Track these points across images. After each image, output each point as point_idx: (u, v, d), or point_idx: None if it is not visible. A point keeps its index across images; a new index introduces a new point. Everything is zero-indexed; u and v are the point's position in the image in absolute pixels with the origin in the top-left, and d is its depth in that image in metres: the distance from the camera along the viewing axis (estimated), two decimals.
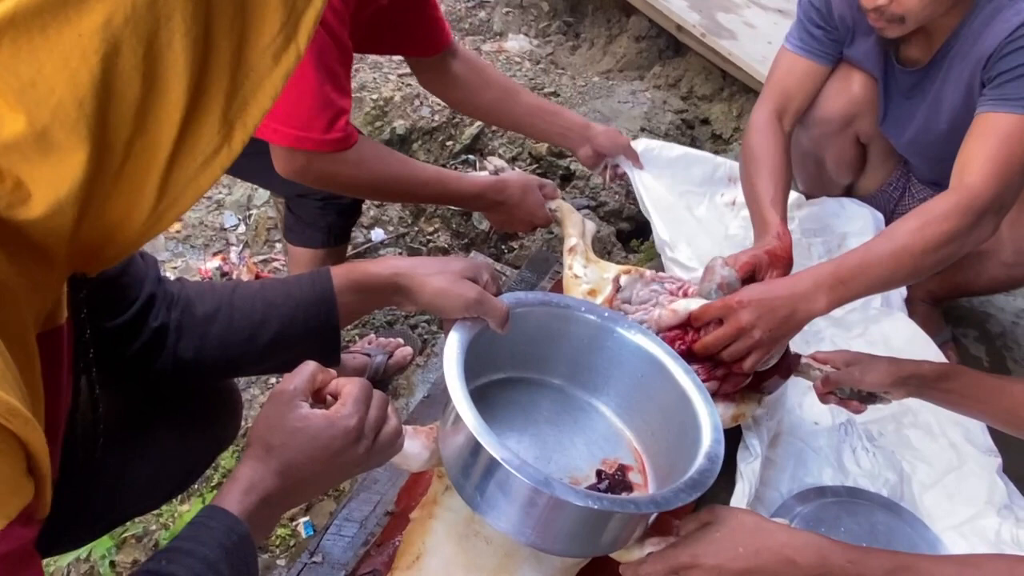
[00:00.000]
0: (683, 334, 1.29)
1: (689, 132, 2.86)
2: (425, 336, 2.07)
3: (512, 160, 2.56)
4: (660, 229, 1.79)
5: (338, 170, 1.39)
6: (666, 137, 2.77)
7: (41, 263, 0.59)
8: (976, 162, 1.44)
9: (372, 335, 2.02)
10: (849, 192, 2.04)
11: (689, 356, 1.25)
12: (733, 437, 1.45)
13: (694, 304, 1.29)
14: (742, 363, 1.27)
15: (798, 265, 1.76)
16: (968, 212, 1.37)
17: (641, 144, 1.89)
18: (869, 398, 1.40)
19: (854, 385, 1.34)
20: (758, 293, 1.29)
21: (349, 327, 2.08)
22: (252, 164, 1.62)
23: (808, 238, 1.93)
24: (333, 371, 0.89)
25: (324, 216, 1.65)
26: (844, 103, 1.83)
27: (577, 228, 1.60)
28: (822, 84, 1.81)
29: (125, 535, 1.56)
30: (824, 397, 1.38)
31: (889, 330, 1.81)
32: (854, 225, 1.95)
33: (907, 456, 1.62)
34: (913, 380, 1.31)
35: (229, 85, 0.57)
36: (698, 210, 1.95)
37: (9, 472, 0.53)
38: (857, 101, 1.82)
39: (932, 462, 1.61)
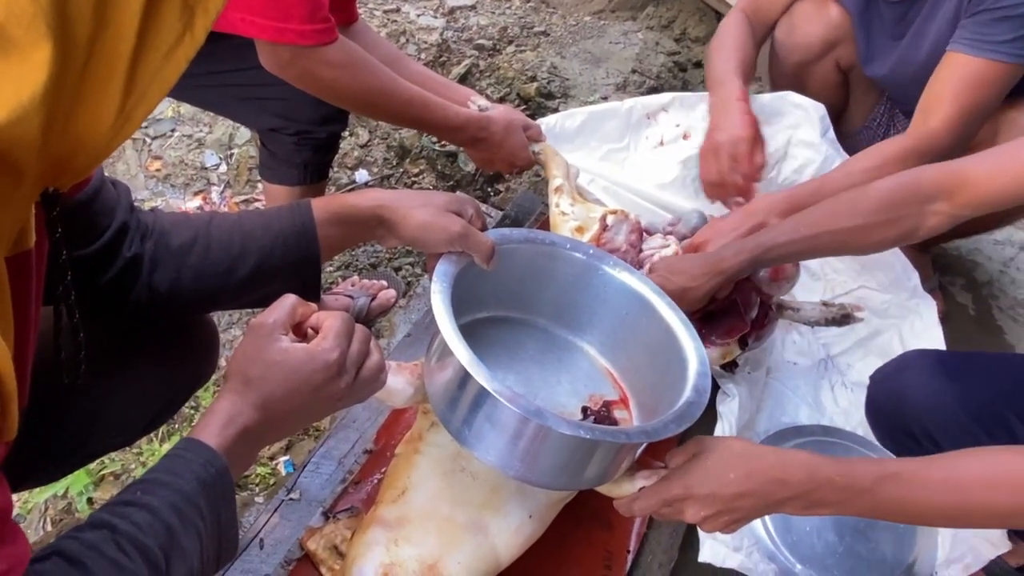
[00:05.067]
0: None
1: (681, 75, 2.81)
2: (409, 279, 2.05)
3: (500, 100, 2.51)
4: (607, 203, 1.73)
5: (322, 71, 1.35)
6: (658, 80, 2.72)
7: (9, 176, 0.55)
8: (942, 107, 1.47)
9: (355, 277, 2.00)
10: (836, 130, 2.00)
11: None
12: (714, 380, 1.46)
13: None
14: None
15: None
16: (925, 157, 1.39)
17: (540, 125, 1.78)
18: (843, 320, 1.41)
19: None
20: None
21: (332, 269, 2.06)
22: (220, 96, 1.58)
23: None
24: (313, 305, 0.86)
25: (299, 152, 1.61)
26: (823, 27, 1.83)
27: (562, 169, 1.58)
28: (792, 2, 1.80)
29: (103, 472, 1.55)
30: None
31: None
32: (799, 128, 1.81)
33: None
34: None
35: None
36: (627, 165, 1.87)
37: None
38: (835, 26, 1.82)
39: None
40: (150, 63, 0.55)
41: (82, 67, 0.52)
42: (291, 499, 1.26)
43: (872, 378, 1.31)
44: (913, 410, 1.16)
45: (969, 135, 1.46)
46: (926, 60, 1.62)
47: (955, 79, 1.48)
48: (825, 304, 1.40)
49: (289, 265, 0.98)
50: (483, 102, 1.64)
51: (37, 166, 0.56)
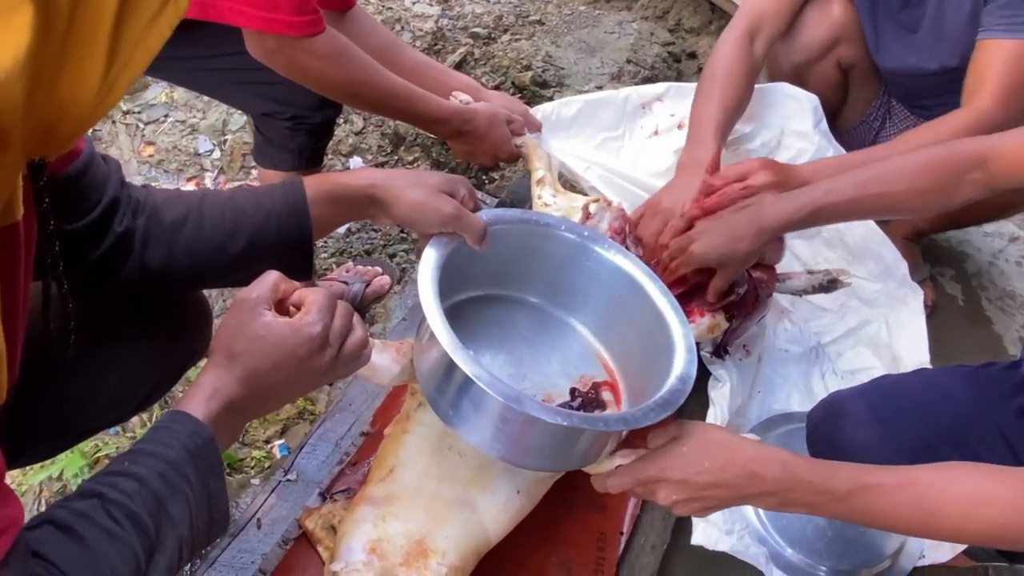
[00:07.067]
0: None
1: (676, 66, 2.81)
2: (404, 265, 2.05)
3: (495, 89, 2.50)
4: (604, 191, 1.73)
5: (308, 61, 1.35)
6: (652, 70, 2.72)
7: None
8: (988, 86, 1.48)
9: (350, 263, 2.00)
10: (831, 125, 2.01)
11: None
12: (705, 367, 1.46)
13: None
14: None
15: None
16: (979, 132, 1.36)
17: (537, 113, 1.78)
18: (831, 285, 1.42)
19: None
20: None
21: (327, 255, 2.06)
22: (214, 80, 1.58)
23: (745, 145, 1.80)
24: (296, 283, 0.87)
25: (294, 137, 1.61)
26: (826, 28, 1.80)
27: (544, 162, 1.60)
28: (799, 7, 1.76)
29: (99, 455, 1.55)
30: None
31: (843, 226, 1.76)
32: (792, 119, 1.79)
33: (862, 377, 1.63)
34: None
35: None
36: (622, 154, 1.86)
37: None
38: (838, 25, 1.80)
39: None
40: (133, 30, 0.56)
41: (64, 32, 0.52)
42: (288, 480, 1.27)
43: (808, 422, 1.31)
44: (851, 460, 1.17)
45: (1019, 113, 1.47)
46: (956, 55, 1.62)
47: (996, 62, 1.49)
48: (811, 272, 1.41)
49: (281, 243, 0.99)
50: (465, 96, 1.65)
51: (21, 134, 0.57)
